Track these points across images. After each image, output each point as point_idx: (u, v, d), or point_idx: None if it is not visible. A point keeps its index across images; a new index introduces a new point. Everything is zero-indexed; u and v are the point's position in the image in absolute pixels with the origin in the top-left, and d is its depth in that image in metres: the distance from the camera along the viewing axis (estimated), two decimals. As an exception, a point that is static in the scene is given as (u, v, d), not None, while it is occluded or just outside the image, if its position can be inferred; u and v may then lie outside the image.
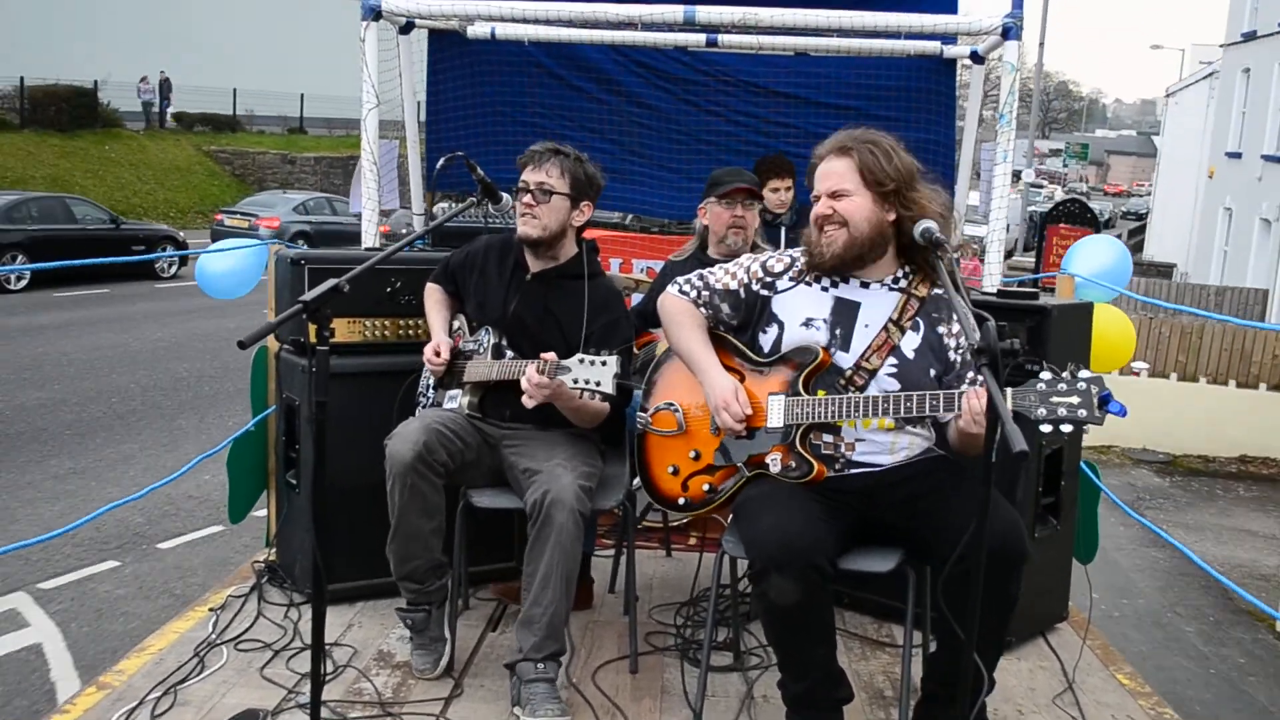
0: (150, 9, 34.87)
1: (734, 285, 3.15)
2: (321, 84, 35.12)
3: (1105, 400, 2.52)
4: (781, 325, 3.09)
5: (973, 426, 2.78)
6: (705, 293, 3.17)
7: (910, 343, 3.01)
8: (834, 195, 2.97)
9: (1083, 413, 2.52)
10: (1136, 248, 32.50)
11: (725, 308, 3.16)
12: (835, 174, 2.99)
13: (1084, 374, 2.56)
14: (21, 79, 29.54)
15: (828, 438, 2.99)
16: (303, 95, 37.45)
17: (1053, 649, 3.82)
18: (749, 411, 3.01)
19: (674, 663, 3.67)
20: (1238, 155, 25.85)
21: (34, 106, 29.68)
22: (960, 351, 2.99)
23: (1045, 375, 2.57)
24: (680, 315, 3.19)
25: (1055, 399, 2.54)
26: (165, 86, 34.30)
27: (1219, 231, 26.91)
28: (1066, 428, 2.55)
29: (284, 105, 37.14)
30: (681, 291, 3.20)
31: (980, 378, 2.98)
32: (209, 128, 35.31)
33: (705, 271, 3.22)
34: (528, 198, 3.44)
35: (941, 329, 3.01)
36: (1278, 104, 23.46)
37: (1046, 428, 2.54)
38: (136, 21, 34.36)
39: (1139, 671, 3.85)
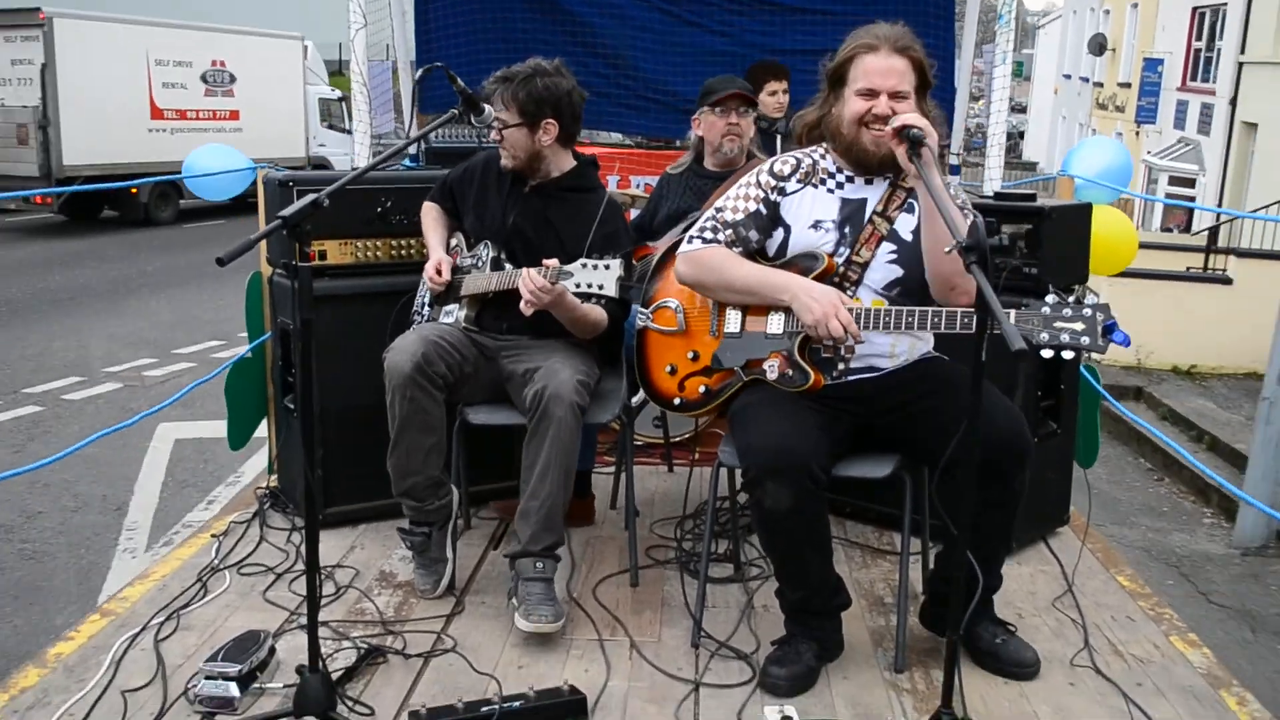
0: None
1: (753, 206, 3.04)
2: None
3: (1110, 329, 2.47)
4: (788, 229, 3.03)
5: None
6: (729, 230, 3.04)
7: (907, 224, 2.96)
8: (894, 96, 2.85)
9: (1086, 339, 2.48)
10: (1015, 149, 38.16)
11: (753, 234, 3.05)
12: (898, 73, 2.86)
13: (1090, 299, 2.51)
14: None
15: (828, 343, 2.95)
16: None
17: (1053, 552, 3.82)
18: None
19: (674, 576, 3.68)
20: (1068, 77, 33.53)
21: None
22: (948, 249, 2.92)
23: (1051, 298, 2.52)
24: (724, 259, 3.02)
25: (1059, 323, 2.50)
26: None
27: (1060, 136, 33.82)
28: (1068, 353, 2.51)
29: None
30: (708, 240, 3.05)
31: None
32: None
33: (717, 208, 3.09)
34: (493, 134, 3.46)
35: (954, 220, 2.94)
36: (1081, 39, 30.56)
37: (1048, 352, 2.50)
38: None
39: (1139, 573, 3.86)
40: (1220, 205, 19.43)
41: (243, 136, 19.63)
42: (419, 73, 3.84)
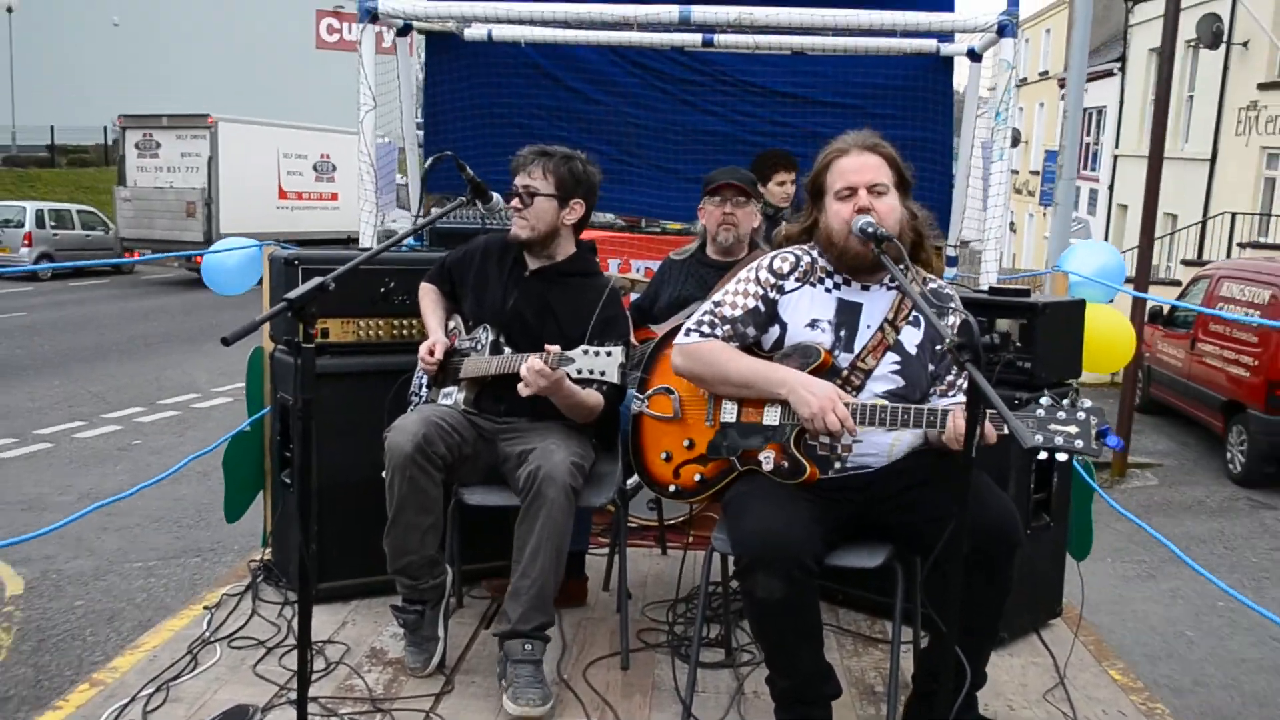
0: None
1: (752, 303, 3.07)
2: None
3: (1104, 433, 2.51)
4: (784, 326, 3.06)
5: (953, 444, 2.77)
6: (727, 326, 3.05)
7: (912, 338, 3.01)
8: (872, 190, 2.93)
9: (1079, 443, 2.51)
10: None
11: (750, 330, 3.07)
12: (872, 168, 2.95)
13: (1085, 404, 2.55)
14: None
15: (824, 439, 2.98)
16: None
17: (1045, 645, 3.81)
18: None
19: (665, 659, 3.67)
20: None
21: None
22: (941, 347, 2.98)
23: (1045, 400, 2.57)
24: (720, 352, 3.03)
25: (1054, 425, 2.53)
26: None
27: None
28: (1062, 456, 2.55)
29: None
30: (705, 335, 3.06)
31: (961, 377, 3.00)
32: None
33: (714, 303, 3.10)
34: (515, 201, 3.51)
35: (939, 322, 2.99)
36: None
37: (1043, 455, 2.53)
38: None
39: (1131, 668, 3.85)
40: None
41: (339, 214, 25.91)
42: (429, 161, 3.92)
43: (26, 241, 23.33)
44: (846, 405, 2.84)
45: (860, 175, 2.94)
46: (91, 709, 3.19)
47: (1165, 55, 12.05)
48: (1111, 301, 4.60)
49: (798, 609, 2.87)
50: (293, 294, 2.53)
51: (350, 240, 15.54)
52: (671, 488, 3.24)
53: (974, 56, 5.45)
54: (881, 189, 2.94)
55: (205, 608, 3.95)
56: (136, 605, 6.25)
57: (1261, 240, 17.95)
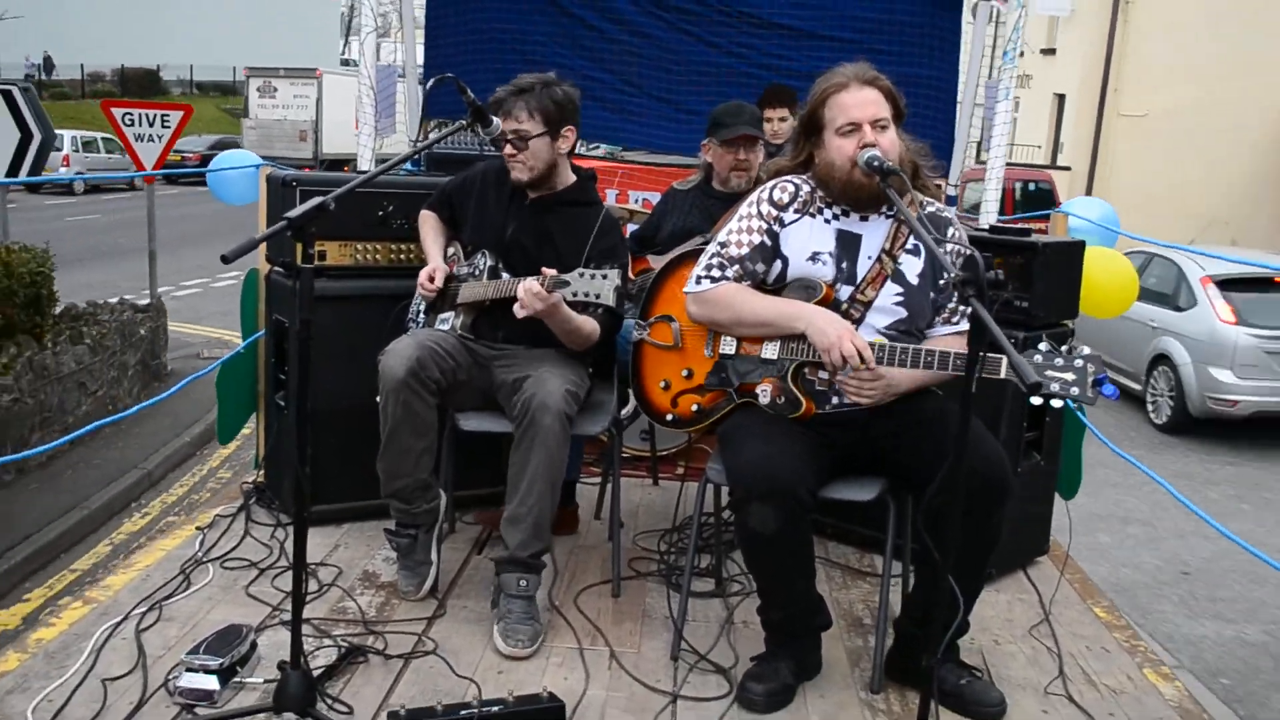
0: None
1: (757, 239, 3.05)
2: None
3: (1100, 381, 2.50)
4: (786, 260, 3.04)
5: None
6: (736, 266, 3.03)
7: (913, 268, 3.00)
8: (875, 125, 2.89)
9: (1075, 390, 2.51)
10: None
11: (760, 265, 3.05)
12: (874, 102, 2.90)
13: (1083, 350, 2.54)
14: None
15: (823, 374, 2.97)
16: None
17: (1031, 582, 3.86)
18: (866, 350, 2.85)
19: (657, 588, 3.70)
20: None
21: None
22: (946, 274, 2.95)
23: (1043, 346, 2.56)
24: (735, 295, 3.02)
25: (1051, 372, 2.53)
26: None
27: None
28: (1057, 402, 2.54)
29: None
30: (716, 279, 3.04)
31: (961, 309, 2.99)
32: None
33: (720, 244, 3.07)
34: (508, 148, 3.45)
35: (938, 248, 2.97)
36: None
37: (1037, 400, 2.52)
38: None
39: (1115, 605, 3.90)
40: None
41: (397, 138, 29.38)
42: (430, 83, 3.85)
43: (65, 163, 26.75)
44: None
45: (863, 110, 2.90)
46: (85, 626, 3.21)
47: None
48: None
49: (792, 542, 2.88)
50: (293, 213, 2.51)
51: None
52: (669, 416, 3.24)
53: (982, -9, 5.37)
54: (884, 123, 2.91)
55: (197, 528, 3.96)
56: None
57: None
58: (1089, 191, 21.43)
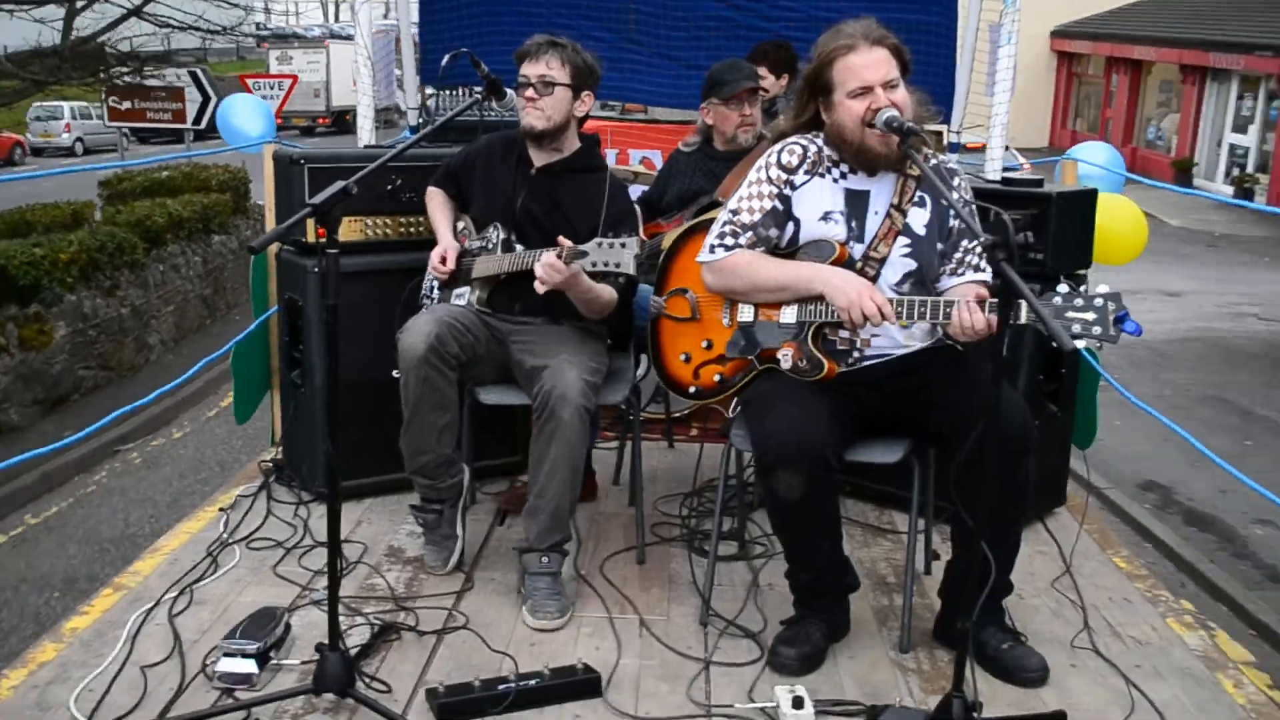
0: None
1: (769, 204, 3.03)
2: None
3: (1122, 319, 2.47)
4: (798, 222, 3.03)
5: (960, 336, 2.77)
6: (749, 233, 3.02)
7: (920, 219, 2.99)
8: (887, 85, 2.86)
9: (1097, 329, 2.48)
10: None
11: (773, 231, 3.03)
12: (884, 63, 2.87)
13: (1102, 288, 2.51)
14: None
15: (843, 333, 2.97)
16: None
17: (1051, 534, 3.88)
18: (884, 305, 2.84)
19: (680, 553, 3.73)
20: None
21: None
22: (958, 221, 2.94)
23: (1062, 288, 2.53)
24: (749, 263, 3.01)
25: (1071, 313, 2.49)
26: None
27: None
28: (1080, 343, 2.52)
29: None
30: (729, 248, 3.02)
31: (969, 261, 2.99)
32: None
33: (731, 211, 3.05)
34: (530, 91, 3.40)
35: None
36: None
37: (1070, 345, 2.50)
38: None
39: (1135, 555, 3.93)
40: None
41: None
42: (445, 59, 3.80)
43: (66, 129, 30.82)
44: None
45: (874, 72, 2.87)
46: (117, 613, 3.22)
47: None
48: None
49: (819, 505, 2.90)
50: (317, 199, 2.52)
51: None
52: (692, 389, 3.24)
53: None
54: (895, 82, 2.88)
55: (220, 509, 3.97)
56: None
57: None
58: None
